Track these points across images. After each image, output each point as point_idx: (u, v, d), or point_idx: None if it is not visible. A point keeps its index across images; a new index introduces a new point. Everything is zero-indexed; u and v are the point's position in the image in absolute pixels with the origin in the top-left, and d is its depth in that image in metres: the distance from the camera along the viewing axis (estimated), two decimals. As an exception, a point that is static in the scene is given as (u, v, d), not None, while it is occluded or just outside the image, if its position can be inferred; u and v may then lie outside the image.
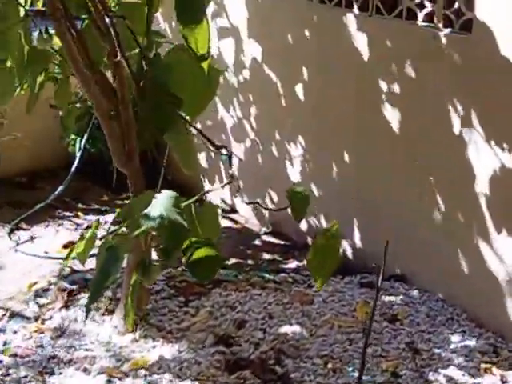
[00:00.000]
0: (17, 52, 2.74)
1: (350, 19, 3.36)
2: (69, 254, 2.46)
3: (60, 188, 4.41)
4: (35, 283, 3.54)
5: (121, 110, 2.72)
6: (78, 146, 4.50)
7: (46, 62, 2.72)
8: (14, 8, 2.77)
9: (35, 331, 3.02)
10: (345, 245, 3.59)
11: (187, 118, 3.27)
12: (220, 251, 2.24)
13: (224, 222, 4.19)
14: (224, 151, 2.30)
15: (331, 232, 2.14)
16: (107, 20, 2.17)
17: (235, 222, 4.28)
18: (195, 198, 2.27)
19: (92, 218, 4.42)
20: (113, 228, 2.35)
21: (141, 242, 2.54)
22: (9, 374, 2.75)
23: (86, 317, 2.19)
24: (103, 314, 3.12)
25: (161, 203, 2.19)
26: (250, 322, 3.04)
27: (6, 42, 2.75)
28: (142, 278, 2.35)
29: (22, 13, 2.74)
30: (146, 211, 2.17)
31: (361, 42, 3.33)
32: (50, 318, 3.12)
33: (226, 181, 4.40)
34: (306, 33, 3.62)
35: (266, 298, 3.21)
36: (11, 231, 4.19)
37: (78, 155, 4.46)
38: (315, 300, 3.19)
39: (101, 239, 2.35)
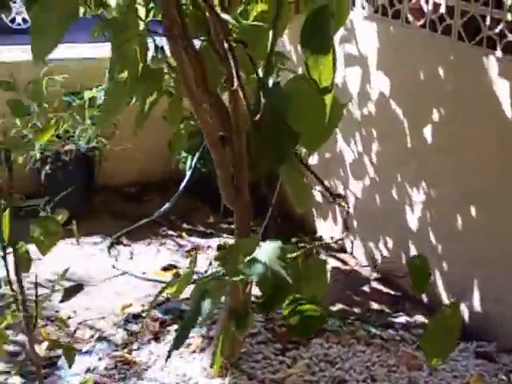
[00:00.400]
0: (131, 67, 2.58)
1: (492, 61, 3.02)
2: (160, 292, 2.26)
3: (166, 205, 4.28)
4: (129, 305, 3.39)
5: (234, 139, 2.52)
6: (188, 164, 4.35)
7: (159, 82, 2.55)
8: (133, 20, 2.64)
9: (120, 361, 2.85)
10: (462, 306, 3.24)
11: (304, 151, 3.08)
12: (325, 300, 2.00)
13: (332, 262, 3.93)
14: (339, 199, 2.04)
15: (451, 311, 1.84)
16: (226, 45, 1.97)
17: (344, 262, 3.99)
18: (302, 251, 2.02)
19: (196, 240, 4.26)
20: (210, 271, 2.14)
21: (239, 288, 2.32)
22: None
23: (168, 357, 1.98)
24: (193, 352, 2.92)
25: (265, 252, 1.98)
26: (350, 382, 2.76)
27: (123, 55, 2.62)
28: (235, 328, 2.13)
29: (141, 26, 2.61)
30: (248, 259, 1.96)
31: (503, 85, 2.99)
32: (138, 348, 2.94)
33: (339, 217, 4.22)
34: (441, 69, 3.30)
35: (370, 357, 2.91)
36: (111, 245, 4.09)
37: (188, 174, 4.31)
38: (424, 366, 2.86)
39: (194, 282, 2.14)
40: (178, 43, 2.32)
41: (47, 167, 4.10)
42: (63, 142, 4.17)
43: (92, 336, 3.09)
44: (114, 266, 3.85)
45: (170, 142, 3.10)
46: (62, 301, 2.07)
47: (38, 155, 4.07)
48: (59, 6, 2.18)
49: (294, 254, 2.00)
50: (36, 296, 2.05)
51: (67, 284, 3.41)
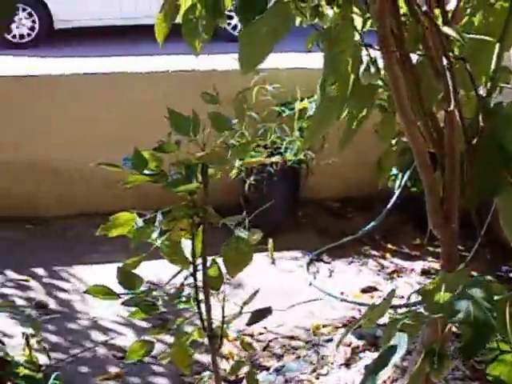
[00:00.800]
0: (341, 81, 2.44)
1: None
2: (356, 323, 2.09)
3: (371, 224, 4.11)
4: (322, 326, 3.26)
5: (446, 162, 2.29)
6: (398, 182, 4.13)
7: (371, 98, 2.38)
8: (348, 31, 2.50)
9: (308, 388, 2.73)
10: None
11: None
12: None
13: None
14: None
15: None
16: (445, 61, 1.76)
17: None
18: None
19: (399, 261, 4.04)
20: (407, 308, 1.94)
21: (437, 325, 2.09)
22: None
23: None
24: (384, 382, 2.72)
25: (470, 291, 1.75)
26: None
27: (334, 68, 2.50)
28: (429, 369, 1.91)
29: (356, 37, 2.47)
30: (451, 296, 1.74)
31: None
32: (327, 373, 2.80)
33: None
34: None
35: None
36: (310, 262, 3.98)
37: (397, 192, 4.10)
38: None
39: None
40: (393, 57, 2.15)
41: (252, 178, 4.08)
42: (270, 152, 4.13)
43: (282, 355, 2.99)
44: (311, 284, 3.73)
45: (379, 158, 2.91)
46: (248, 324, 1.97)
47: (243, 167, 4.06)
48: (272, 19, 2.10)
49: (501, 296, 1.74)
50: (223, 316, 1.97)
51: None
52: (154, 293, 1.93)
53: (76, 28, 9.88)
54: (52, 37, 9.86)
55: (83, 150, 4.15)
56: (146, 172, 1.89)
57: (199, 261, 1.94)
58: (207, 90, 4.24)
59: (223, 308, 1.96)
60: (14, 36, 9.86)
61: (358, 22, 2.51)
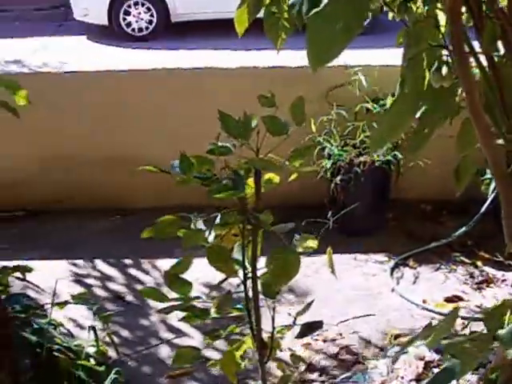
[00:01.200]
0: (414, 82, 2.31)
1: None
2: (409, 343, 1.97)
3: (463, 229, 3.91)
4: (398, 336, 3.13)
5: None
6: (492, 187, 3.92)
7: (445, 102, 2.24)
8: (429, 29, 2.37)
9: (373, 401, 2.62)
10: None
11: None
12: None
13: None
14: None
15: None
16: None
17: None
18: None
19: (490, 270, 3.83)
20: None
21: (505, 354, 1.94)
22: None
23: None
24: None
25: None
26: None
27: (411, 68, 2.37)
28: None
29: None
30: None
31: None
32: (395, 388, 2.68)
33: None
34: None
35: None
36: (395, 266, 3.84)
37: (491, 197, 3.88)
38: None
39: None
40: (465, 59, 2.00)
41: (338, 178, 3.97)
42: (358, 152, 4.01)
43: (353, 364, 2.89)
44: (393, 290, 3.60)
45: (457, 167, 2.75)
46: (297, 337, 1.89)
47: (329, 165, 3.96)
48: (345, 14, 2.00)
49: None
50: (273, 327, 1.90)
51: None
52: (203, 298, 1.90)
53: (192, 21, 10.13)
54: (169, 30, 10.15)
55: (180, 145, 4.15)
56: (196, 175, 1.86)
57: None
58: (297, 87, 4.19)
59: (273, 318, 1.90)
60: (134, 30, 10.32)
61: (442, 18, 2.38)
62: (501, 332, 1.65)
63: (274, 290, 1.87)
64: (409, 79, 2.34)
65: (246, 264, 1.87)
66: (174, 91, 4.29)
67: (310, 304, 1.98)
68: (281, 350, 2.30)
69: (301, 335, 1.88)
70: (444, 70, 2.21)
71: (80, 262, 3.82)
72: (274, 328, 1.91)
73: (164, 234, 1.86)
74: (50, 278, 3.56)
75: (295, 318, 1.99)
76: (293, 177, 1.95)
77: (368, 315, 3.32)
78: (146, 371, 2.90)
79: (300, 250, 1.95)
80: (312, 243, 1.95)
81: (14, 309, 2.37)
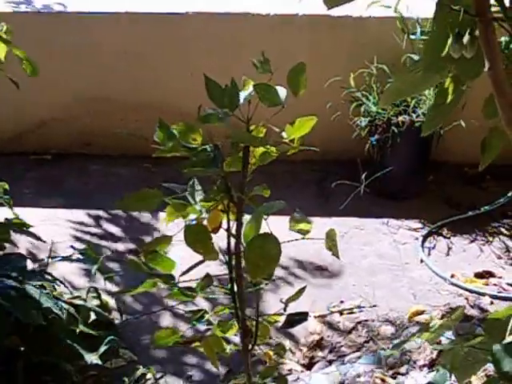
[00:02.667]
0: (432, 48, 2.08)
1: None
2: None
3: (505, 197, 3.65)
4: (420, 312, 2.95)
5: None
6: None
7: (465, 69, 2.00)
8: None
9: (379, 386, 2.46)
10: None
11: None
12: None
13: None
14: None
15: None
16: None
17: None
18: None
19: (532, 245, 3.59)
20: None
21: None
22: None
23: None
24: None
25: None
26: None
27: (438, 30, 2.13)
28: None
29: None
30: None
31: None
32: (406, 373, 2.51)
33: None
34: None
35: None
36: (428, 235, 3.62)
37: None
38: None
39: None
40: (491, 28, 1.76)
41: (374, 137, 3.75)
42: (398, 111, 3.76)
43: (366, 342, 2.73)
44: (422, 261, 3.40)
45: (484, 138, 2.51)
46: (281, 328, 1.74)
47: (366, 123, 3.73)
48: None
49: None
50: (257, 315, 1.75)
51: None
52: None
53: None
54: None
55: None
56: (184, 144, 1.70)
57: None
58: (340, 38, 3.94)
59: (258, 305, 1.74)
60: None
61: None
62: (495, 347, 1.46)
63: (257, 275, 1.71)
64: (431, 41, 2.12)
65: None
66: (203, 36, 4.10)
67: (302, 290, 1.82)
68: (270, 338, 2.18)
69: (286, 326, 1.73)
70: (466, 38, 1.97)
71: (98, 212, 3.70)
72: (258, 314, 1.76)
73: (141, 207, 1.73)
74: (62, 228, 3.50)
75: (286, 305, 1.84)
76: (292, 151, 1.76)
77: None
78: (145, 338, 2.79)
79: (296, 229, 1.78)
80: (306, 226, 1.77)
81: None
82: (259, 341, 1.82)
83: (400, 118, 3.72)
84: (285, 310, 1.90)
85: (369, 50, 3.87)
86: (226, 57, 4.02)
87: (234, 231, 1.72)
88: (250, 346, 1.79)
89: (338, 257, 1.77)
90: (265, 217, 1.66)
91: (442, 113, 2.09)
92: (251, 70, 1.68)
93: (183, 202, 1.73)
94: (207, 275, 1.72)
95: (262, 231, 1.64)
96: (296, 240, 1.75)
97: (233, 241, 1.73)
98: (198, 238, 1.67)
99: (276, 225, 1.58)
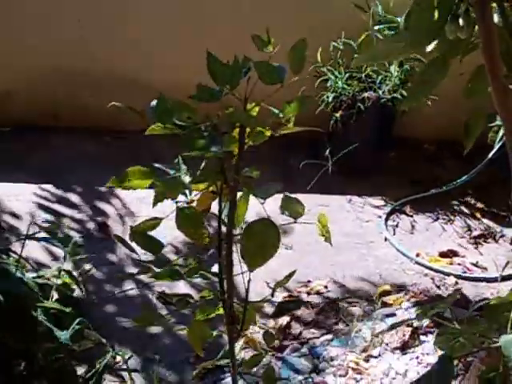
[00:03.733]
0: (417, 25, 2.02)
1: None
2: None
3: (464, 177, 3.67)
4: (387, 292, 2.93)
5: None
6: (500, 135, 3.64)
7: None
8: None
9: (353, 368, 2.42)
10: None
11: None
12: None
13: None
14: None
15: None
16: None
17: None
18: None
19: (489, 223, 3.62)
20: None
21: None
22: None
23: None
24: None
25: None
26: None
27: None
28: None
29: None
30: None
31: None
32: (379, 356, 2.50)
33: None
34: None
35: None
36: (391, 213, 3.61)
37: (497, 146, 3.61)
38: None
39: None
40: (486, 7, 1.71)
41: (339, 113, 3.70)
42: (363, 87, 3.72)
43: (335, 323, 2.70)
44: (386, 239, 3.39)
45: (467, 120, 2.48)
46: (273, 316, 1.69)
47: (331, 99, 3.67)
48: None
49: None
50: (246, 301, 1.69)
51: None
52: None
53: None
54: None
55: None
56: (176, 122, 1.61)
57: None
58: (307, 13, 3.83)
59: (247, 291, 1.68)
60: None
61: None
62: (504, 338, 1.44)
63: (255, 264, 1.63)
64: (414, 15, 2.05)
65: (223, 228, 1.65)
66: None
67: (291, 275, 1.77)
68: (255, 324, 2.12)
69: (276, 314, 1.67)
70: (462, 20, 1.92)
71: (60, 187, 3.56)
72: (247, 301, 1.69)
73: (132, 186, 1.63)
74: (26, 204, 3.35)
75: (273, 290, 1.78)
76: (285, 131, 1.69)
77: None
78: (116, 314, 2.70)
79: (287, 213, 1.71)
80: (300, 209, 1.71)
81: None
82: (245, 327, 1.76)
83: (366, 94, 3.68)
84: (272, 295, 1.85)
85: (336, 26, 3.81)
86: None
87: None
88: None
89: (330, 243, 1.72)
90: (261, 201, 1.60)
91: (424, 89, 2.04)
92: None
93: (172, 182, 1.65)
94: (199, 261, 1.65)
95: (257, 216, 1.57)
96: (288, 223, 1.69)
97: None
98: (190, 222, 1.59)
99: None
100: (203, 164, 1.56)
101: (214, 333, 1.76)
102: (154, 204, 1.63)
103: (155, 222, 1.65)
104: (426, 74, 2.11)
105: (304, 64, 1.66)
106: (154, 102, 1.60)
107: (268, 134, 1.67)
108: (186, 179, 1.56)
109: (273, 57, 1.60)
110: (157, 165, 1.63)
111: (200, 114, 1.58)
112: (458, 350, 1.57)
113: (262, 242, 1.50)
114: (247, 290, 1.69)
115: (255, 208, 1.57)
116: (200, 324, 1.78)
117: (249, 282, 1.70)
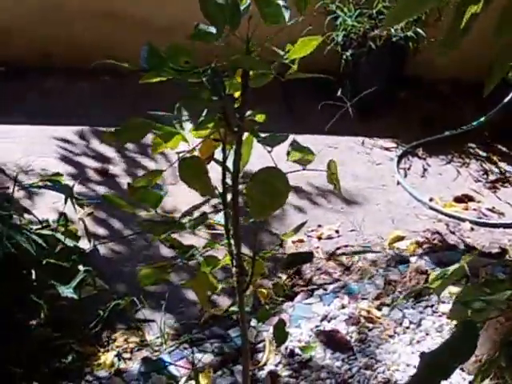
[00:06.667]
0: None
1: None
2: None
3: (482, 118, 3.53)
4: (400, 238, 2.85)
5: None
6: (518, 74, 3.51)
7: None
8: None
9: (365, 317, 2.35)
10: None
11: None
12: None
13: None
14: None
15: None
16: None
17: None
18: None
19: (507, 168, 3.50)
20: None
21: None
22: None
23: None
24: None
25: None
26: None
27: None
28: (506, 366, 1.51)
29: None
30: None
31: None
32: (391, 303, 2.42)
33: None
34: None
35: None
36: (403, 155, 3.51)
37: (517, 86, 3.48)
38: None
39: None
40: None
41: (349, 52, 3.57)
42: (373, 24, 3.57)
43: (346, 269, 2.62)
44: (398, 183, 3.29)
45: (492, 58, 2.36)
46: (282, 268, 1.61)
47: (341, 38, 3.53)
48: None
49: None
50: (254, 252, 1.61)
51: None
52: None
53: None
54: None
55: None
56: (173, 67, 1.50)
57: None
58: None
59: (254, 244, 1.60)
60: None
61: None
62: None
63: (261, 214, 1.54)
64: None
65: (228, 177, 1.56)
66: None
67: (302, 225, 1.68)
68: (265, 277, 2.05)
69: (286, 266, 1.60)
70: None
71: (62, 129, 3.45)
72: (255, 252, 1.61)
73: (130, 138, 1.54)
74: (26, 148, 3.25)
75: (282, 241, 1.72)
76: (290, 74, 1.58)
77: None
78: (119, 261, 2.63)
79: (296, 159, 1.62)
80: (310, 156, 1.61)
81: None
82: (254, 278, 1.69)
83: (376, 32, 3.53)
84: (281, 245, 1.78)
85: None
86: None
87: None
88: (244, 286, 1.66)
89: (339, 191, 1.63)
90: (268, 149, 1.50)
91: (457, 38, 1.91)
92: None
93: (171, 130, 1.55)
94: (203, 213, 1.57)
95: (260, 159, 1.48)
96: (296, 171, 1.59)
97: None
98: (193, 172, 1.50)
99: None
100: (205, 111, 1.46)
101: (220, 286, 1.70)
102: (154, 154, 1.54)
103: (155, 175, 1.56)
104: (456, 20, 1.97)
105: (309, 1, 1.55)
106: (144, 49, 1.49)
107: (270, 77, 1.56)
108: (187, 127, 1.47)
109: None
110: (155, 112, 1.54)
111: (200, 58, 1.47)
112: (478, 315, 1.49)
113: (270, 191, 1.41)
114: (255, 240, 1.62)
115: (257, 150, 1.48)
116: (206, 276, 1.71)
117: (255, 233, 1.62)
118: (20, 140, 3.31)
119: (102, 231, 2.78)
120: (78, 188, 2.91)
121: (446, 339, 1.38)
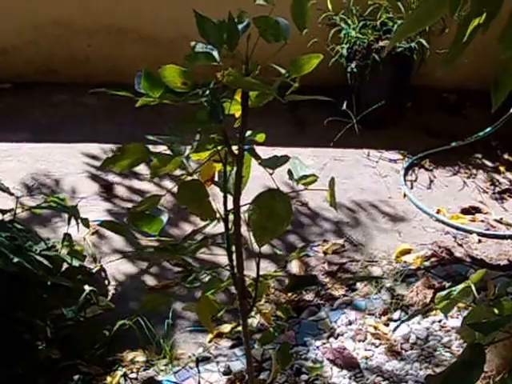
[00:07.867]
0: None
1: None
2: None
3: (488, 128, 3.50)
4: (407, 251, 2.83)
5: None
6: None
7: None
8: None
9: (372, 333, 2.33)
10: None
11: None
12: None
13: None
14: None
15: None
16: None
17: None
18: None
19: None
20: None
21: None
22: None
23: None
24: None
25: None
26: None
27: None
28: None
29: None
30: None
31: None
32: (399, 319, 2.40)
33: None
34: None
35: None
36: (409, 167, 3.48)
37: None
38: None
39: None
40: None
41: (354, 64, 3.55)
42: (378, 35, 3.55)
43: (352, 284, 2.60)
44: (405, 196, 3.26)
45: (497, 74, 2.34)
46: (288, 291, 1.59)
47: (345, 51, 3.52)
48: None
49: None
50: (257, 276, 1.59)
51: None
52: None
53: None
54: None
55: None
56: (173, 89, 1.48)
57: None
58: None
59: (258, 264, 1.58)
60: None
61: None
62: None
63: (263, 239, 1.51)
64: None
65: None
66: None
67: (306, 246, 1.67)
68: (268, 295, 2.03)
69: (290, 289, 1.58)
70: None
71: (66, 145, 3.45)
72: (258, 274, 1.60)
73: (127, 165, 1.52)
74: (26, 165, 3.24)
75: (286, 262, 1.70)
76: (290, 95, 1.56)
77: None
78: (126, 283, 2.62)
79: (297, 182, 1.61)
80: (312, 178, 1.60)
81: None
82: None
83: (381, 44, 3.52)
84: (285, 267, 1.76)
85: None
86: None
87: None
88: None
89: (335, 208, 1.61)
90: (270, 171, 1.49)
91: (460, 49, 1.89)
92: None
93: (169, 154, 1.53)
94: (204, 237, 1.55)
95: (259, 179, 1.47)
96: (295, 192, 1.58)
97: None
98: (193, 196, 1.48)
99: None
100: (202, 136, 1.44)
101: (222, 309, 1.68)
102: (152, 178, 1.52)
103: (154, 200, 1.54)
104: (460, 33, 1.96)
105: (307, 18, 1.53)
106: (139, 74, 1.48)
107: (270, 98, 1.55)
108: (186, 151, 1.45)
109: (274, 13, 1.47)
110: (151, 137, 1.52)
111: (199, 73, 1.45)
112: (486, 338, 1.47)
113: (273, 215, 1.39)
114: (258, 264, 1.60)
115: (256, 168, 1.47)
116: (208, 300, 1.69)
117: (259, 256, 1.60)
118: (24, 158, 3.31)
119: (106, 249, 2.77)
120: (82, 204, 2.91)
121: (453, 362, 1.36)
